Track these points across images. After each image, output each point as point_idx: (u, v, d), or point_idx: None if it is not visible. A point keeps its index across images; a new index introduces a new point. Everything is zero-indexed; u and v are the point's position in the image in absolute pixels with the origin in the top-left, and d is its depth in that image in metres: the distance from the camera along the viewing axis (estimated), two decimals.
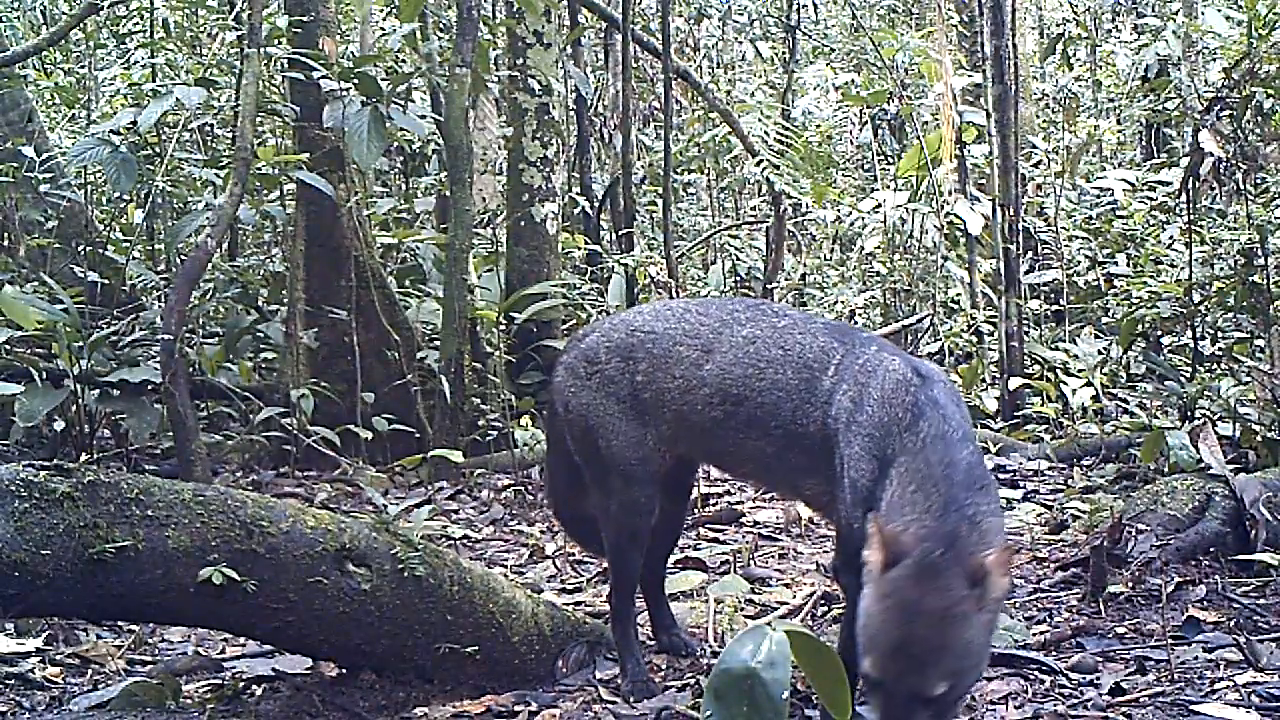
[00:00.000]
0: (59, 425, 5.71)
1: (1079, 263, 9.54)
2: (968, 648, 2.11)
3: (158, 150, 6.85)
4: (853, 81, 11.55)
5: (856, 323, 10.73)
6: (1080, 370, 7.16)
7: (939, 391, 2.50)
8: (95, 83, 10.34)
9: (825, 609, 3.63)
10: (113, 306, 6.51)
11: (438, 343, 6.20)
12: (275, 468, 5.90)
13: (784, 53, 12.22)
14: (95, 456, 5.65)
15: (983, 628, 2.15)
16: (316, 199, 6.13)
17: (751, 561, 4.28)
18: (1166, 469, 4.77)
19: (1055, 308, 9.15)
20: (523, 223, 7.17)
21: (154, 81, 7.68)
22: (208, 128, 8.05)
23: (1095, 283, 9.30)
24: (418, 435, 6.05)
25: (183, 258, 6.20)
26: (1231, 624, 3.20)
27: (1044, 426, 6.61)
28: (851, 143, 12.74)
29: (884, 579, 2.17)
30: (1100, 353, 7.47)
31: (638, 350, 2.95)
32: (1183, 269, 7.21)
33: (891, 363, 2.59)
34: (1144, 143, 11.83)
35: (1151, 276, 7.89)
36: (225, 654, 3.35)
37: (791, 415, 2.69)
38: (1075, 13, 12.69)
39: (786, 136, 9.98)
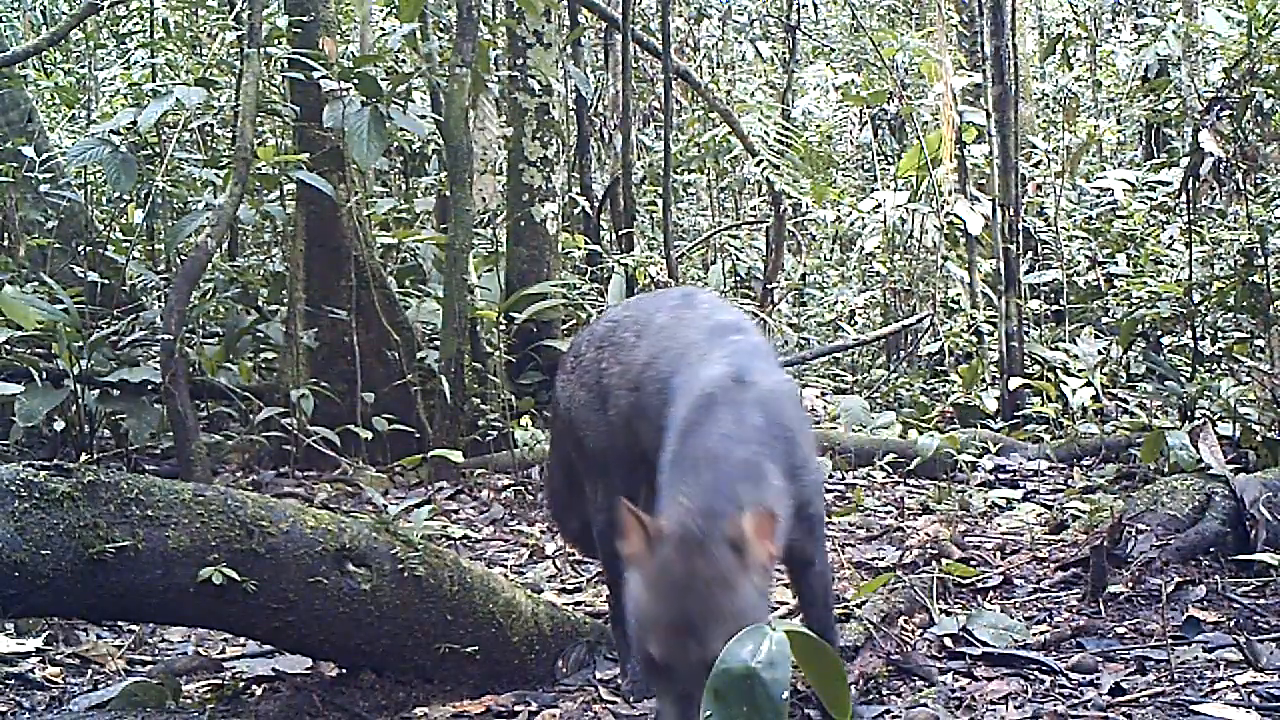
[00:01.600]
0: (59, 425, 5.70)
1: (1079, 263, 9.54)
2: (744, 613, 2.08)
3: (158, 150, 6.85)
4: (853, 81, 11.54)
5: (856, 323, 10.76)
6: (1080, 370, 7.16)
7: (749, 396, 2.44)
8: (95, 83, 10.34)
9: None
10: (113, 306, 6.50)
11: (438, 343, 6.20)
12: (275, 468, 5.90)
13: (784, 53, 12.22)
14: (95, 456, 5.65)
15: (754, 591, 2.14)
16: (316, 199, 6.13)
17: None
18: (1166, 469, 4.77)
19: (1055, 308, 9.16)
20: (523, 223, 7.17)
21: (154, 81, 7.68)
22: (208, 128, 8.05)
23: (1095, 283, 9.30)
24: (418, 435, 6.04)
25: (183, 258, 6.20)
26: (1231, 624, 3.20)
27: (1044, 426, 6.61)
28: (851, 143, 12.75)
29: (650, 561, 2.14)
30: (1100, 353, 7.47)
31: (607, 338, 3.01)
32: (1183, 269, 7.21)
33: (711, 370, 2.52)
34: (1144, 143, 11.83)
35: (1151, 276, 7.90)
36: (225, 654, 3.35)
37: (660, 409, 2.63)
38: (1075, 13, 12.69)
39: (786, 136, 9.99)
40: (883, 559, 4.21)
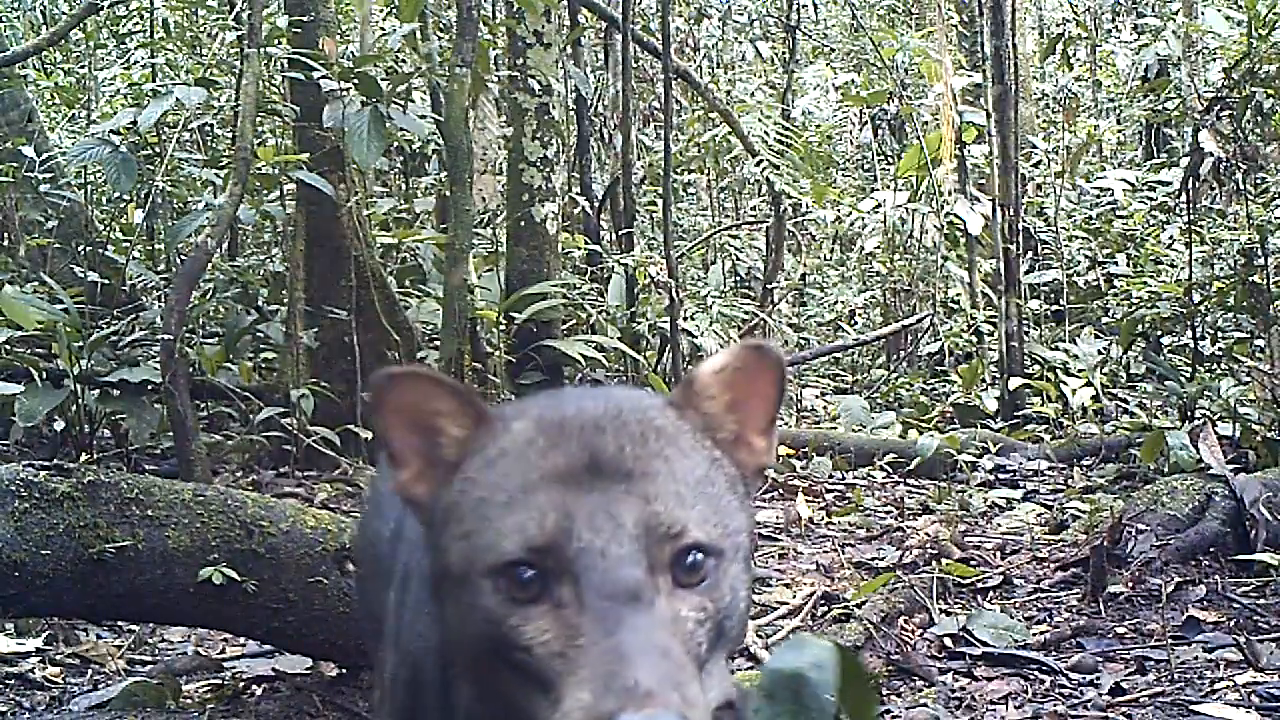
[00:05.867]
0: (59, 425, 5.70)
1: (1079, 263, 9.55)
2: (706, 482, 1.34)
3: (158, 150, 6.85)
4: (853, 81, 11.55)
5: (856, 323, 10.76)
6: (1080, 370, 7.16)
7: None
8: (95, 83, 10.33)
9: (825, 609, 3.62)
10: (113, 306, 6.49)
11: (438, 343, 6.19)
12: (275, 468, 5.90)
13: (784, 53, 12.21)
14: (95, 456, 5.65)
15: (715, 463, 1.37)
16: (316, 199, 6.13)
17: (751, 561, 4.27)
18: (1166, 469, 4.77)
19: (1055, 308, 9.16)
20: (523, 223, 7.17)
21: (154, 81, 7.67)
22: (208, 128, 8.04)
23: (1095, 283, 9.31)
24: None
25: (183, 258, 6.20)
26: (1231, 624, 3.20)
27: (1044, 426, 6.61)
28: (851, 143, 12.75)
29: (512, 425, 1.33)
30: (1100, 353, 7.48)
31: None
32: (1183, 269, 7.21)
33: None
34: (1144, 143, 11.83)
35: (1151, 276, 7.91)
36: (225, 654, 3.35)
37: None
38: (1075, 13, 12.70)
39: (786, 136, 9.97)
40: (883, 559, 4.21)
